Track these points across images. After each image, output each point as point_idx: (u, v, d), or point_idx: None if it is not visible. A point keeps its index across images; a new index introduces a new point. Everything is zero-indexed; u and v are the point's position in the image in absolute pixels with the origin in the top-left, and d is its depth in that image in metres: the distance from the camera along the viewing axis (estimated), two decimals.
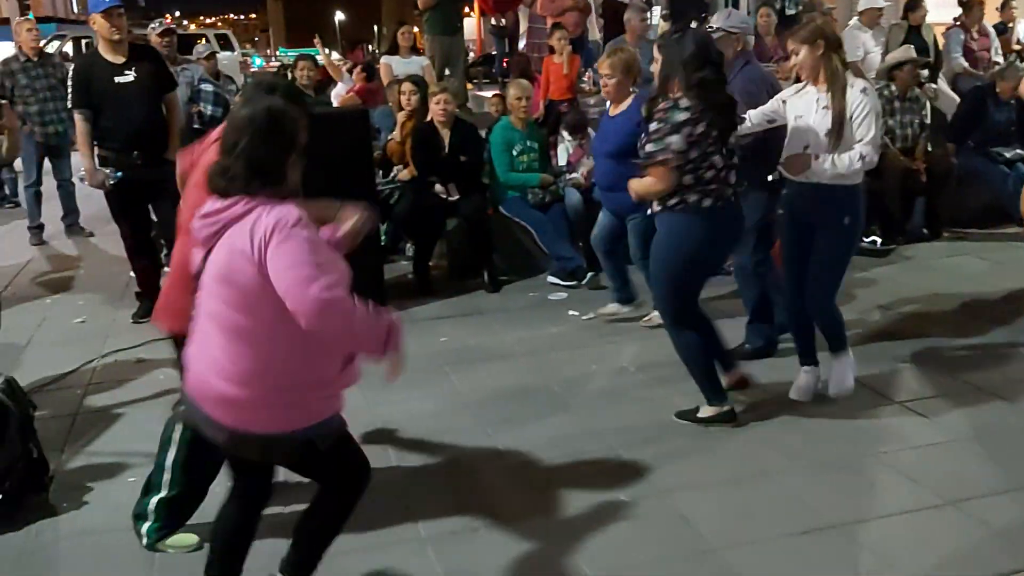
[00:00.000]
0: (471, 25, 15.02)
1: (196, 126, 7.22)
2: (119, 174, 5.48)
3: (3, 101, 7.02)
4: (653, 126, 3.80)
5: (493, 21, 10.19)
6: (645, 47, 6.80)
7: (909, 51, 7.23)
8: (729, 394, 4.16)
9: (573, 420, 4.27)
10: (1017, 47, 10.02)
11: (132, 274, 6.11)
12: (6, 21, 23.24)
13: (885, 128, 7.00)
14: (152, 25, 7.82)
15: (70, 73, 5.63)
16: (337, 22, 63.00)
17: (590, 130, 6.80)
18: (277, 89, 2.87)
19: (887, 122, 7.01)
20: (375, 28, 43.05)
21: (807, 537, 3.25)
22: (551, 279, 6.29)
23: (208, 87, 7.30)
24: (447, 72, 9.17)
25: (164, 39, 7.29)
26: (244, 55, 26.96)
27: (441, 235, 6.47)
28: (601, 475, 3.72)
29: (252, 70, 26.25)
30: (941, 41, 9.45)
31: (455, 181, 6.20)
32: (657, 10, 9.00)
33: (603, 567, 3.12)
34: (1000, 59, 9.18)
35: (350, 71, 8.91)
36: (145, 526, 3.30)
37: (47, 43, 16.49)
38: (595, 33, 9.61)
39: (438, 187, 6.13)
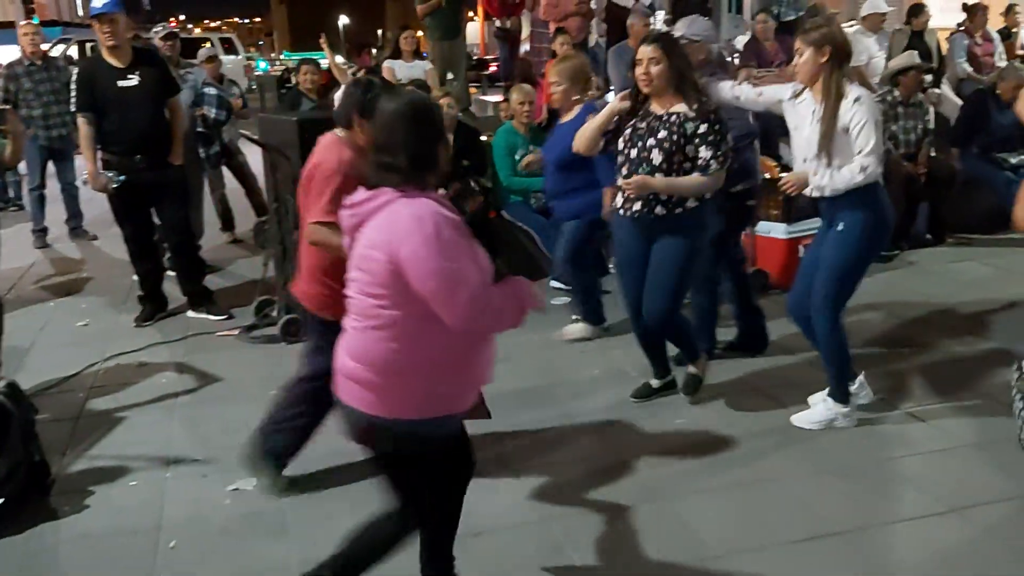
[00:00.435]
0: (475, 29, 15.02)
1: (200, 129, 7.24)
2: (122, 178, 5.49)
3: (7, 106, 7.04)
4: (705, 128, 3.91)
5: (498, 24, 10.18)
6: None
7: (913, 57, 7.22)
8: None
9: (574, 424, 4.26)
10: (1021, 52, 10.01)
11: (135, 278, 6.12)
12: (11, 24, 23.32)
13: (889, 133, 7.00)
14: (156, 29, 7.82)
15: (74, 76, 5.63)
16: (341, 26, 63.16)
17: None
18: (373, 85, 3.23)
19: (890, 127, 7.00)
20: (379, 32, 43.16)
21: (810, 544, 3.23)
22: (554, 284, 6.28)
23: (212, 91, 7.30)
24: (449, 76, 9.16)
25: (167, 43, 7.30)
26: (249, 59, 26.97)
27: None
28: (602, 480, 3.71)
29: (256, 74, 26.24)
30: (944, 46, 9.45)
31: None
32: (660, 15, 8.98)
33: (603, 572, 3.11)
34: (1004, 64, 9.16)
35: (355, 75, 8.90)
36: None
37: (52, 47, 16.55)
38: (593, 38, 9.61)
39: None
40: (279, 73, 26.48)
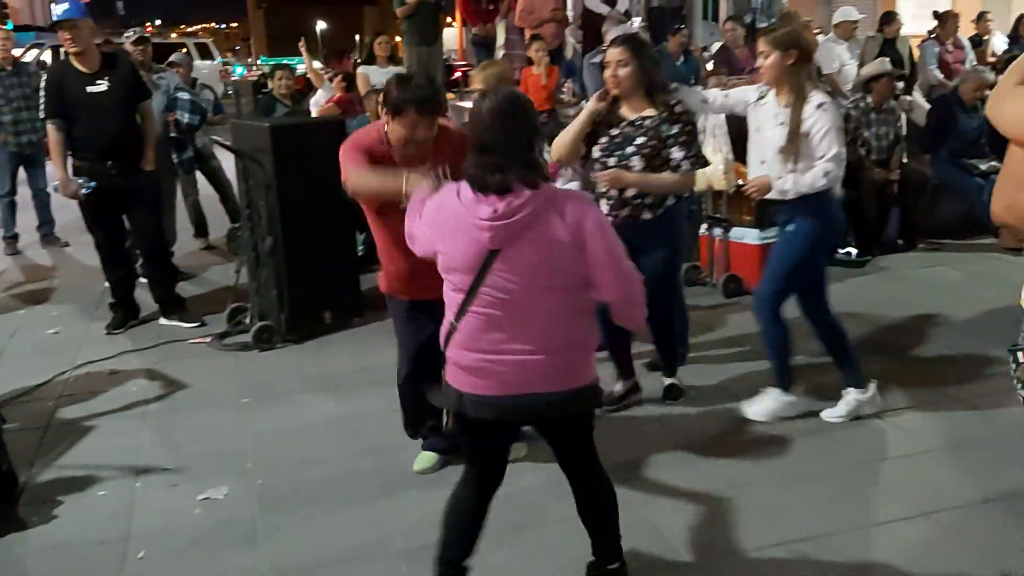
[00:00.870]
0: (452, 35, 15.03)
1: (172, 135, 7.20)
2: (93, 184, 5.44)
3: None
4: (677, 128, 3.94)
5: (475, 31, 10.19)
6: None
7: (884, 64, 7.29)
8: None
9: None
10: (992, 59, 10.11)
11: (106, 285, 6.06)
12: None
13: (861, 140, 7.06)
14: (127, 34, 7.76)
15: (42, 83, 5.58)
16: (319, 32, 62.98)
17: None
18: (412, 79, 3.34)
19: (863, 134, 7.07)
20: (356, 38, 43.09)
21: (780, 548, 3.24)
22: None
23: (185, 95, 7.26)
24: None
25: (138, 47, 7.24)
26: (225, 64, 26.82)
27: None
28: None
29: (233, 79, 26.10)
30: (916, 54, 9.54)
31: None
32: (636, 21, 9.03)
33: None
34: None
35: (332, 80, 8.87)
36: None
37: (25, 51, 16.39)
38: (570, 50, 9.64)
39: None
40: (255, 78, 26.36)
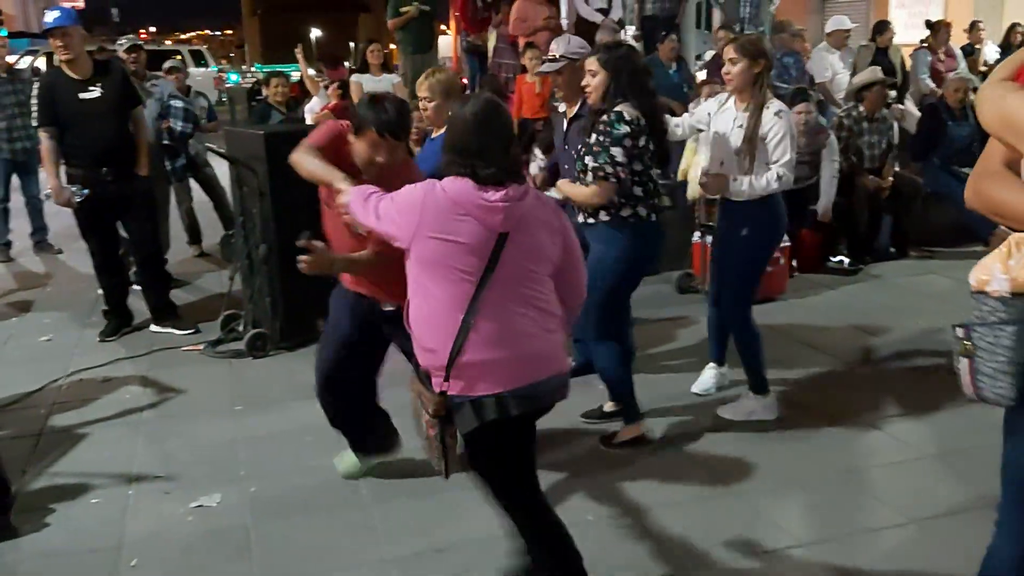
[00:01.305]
0: (447, 43, 15.05)
1: (165, 142, 7.20)
2: (86, 191, 5.43)
3: None
4: (594, 138, 3.87)
5: (471, 39, 10.20)
6: None
7: (876, 72, 7.33)
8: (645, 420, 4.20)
9: (541, 436, 4.25)
10: (984, 68, 10.16)
11: (100, 291, 6.06)
12: None
13: (854, 148, 7.09)
14: (120, 41, 7.76)
15: (35, 91, 5.58)
16: (314, 39, 63.02)
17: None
18: (383, 100, 3.23)
19: (855, 142, 7.10)
20: (351, 45, 43.12)
21: (772, 556, 3.25)
22: None
23: (178, 103, 7.27)
24: None
25: (131, 55, 7.25)
26: (220, 71, 26.82)
27: None
28: (568, 493, 3.72)
29: (227, 86, 26.10)
30: (908, 62, 9.60)
31: None
32: (630, 30, 9.06)
33: None
34: None
35: (327, 87, 8.89)
36: None
37: (19, 58, 16.38)
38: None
39: None
40: (250, 85, 26.35)
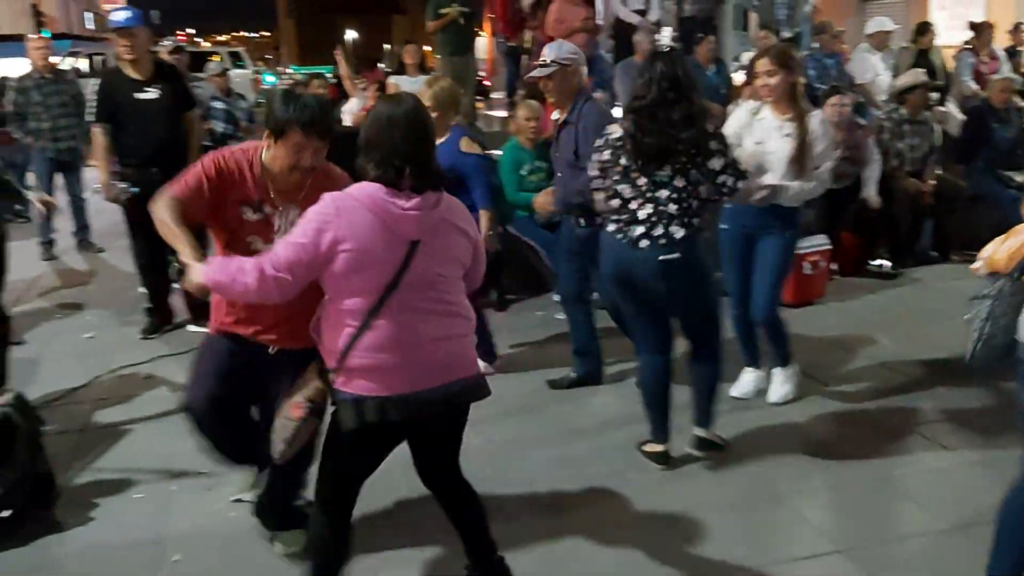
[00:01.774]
0: (482, 45, 15.08)
1: (206, 143, 7.27)
2: (135, 189, 5.52)
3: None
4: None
5: (510, 43, 10.19)
6: None
7: (919, 75, 7.24)
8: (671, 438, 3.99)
9: (579, 441, 4.26)
10: None
11: (141, 289, 6.14)
12: (21, 37, 23.31)
13: (895, 151, 7.01)
14: (163, 43, 7.88)
15: (94, 87, 5.67)
16: (349, 40, 63.38)
17: None
18: (299, 95, 2.99)
19: (897, 145, 7.02)
20: (385, 47, 43.32)
21: (812, 561, 3.23)
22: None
23: (219, 105, 7.36)
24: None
25: (174, 56, 7.35)
26: (257, 72, 27.08)
27: None
28: (607, 496, 3.72)
29: (264, 87, 26.35)
30: (951, 64, 9.47)
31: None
32: (666, 31, 9.01)
33: None
34: None
35: (365, 89, 8.95)
36: None
37: (61, 59, 16.62)
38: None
39: None
40: (287, 87, 26.57)
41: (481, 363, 4.96)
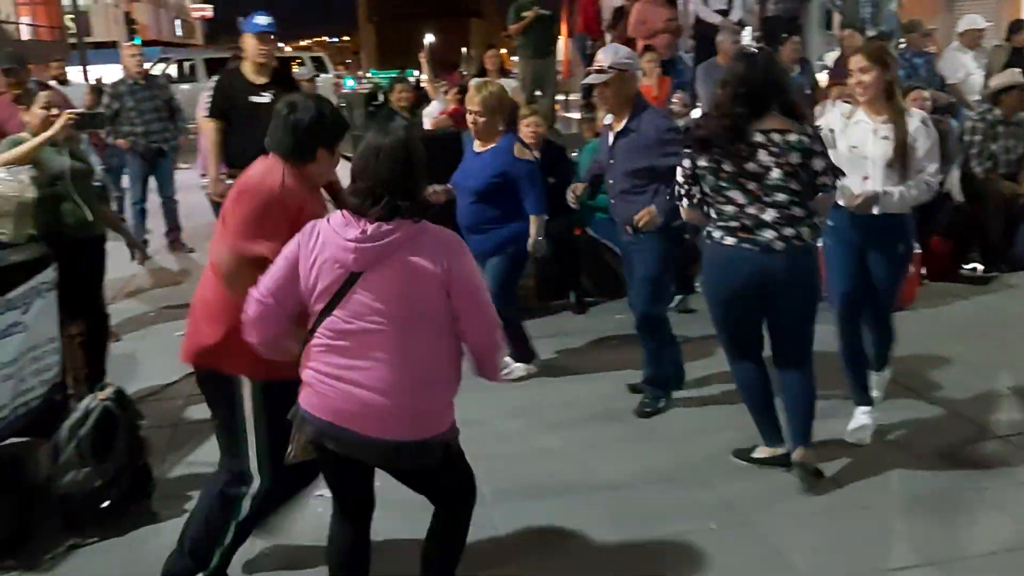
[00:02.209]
0: (559, 46, 15.12)
1: None
2: None
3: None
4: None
5: (595, 41, 10.18)
6: None
7: (1015, 75, 7.01)
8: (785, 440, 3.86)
9: (662, 446, 4.24)
10: None
11: None
12: (114, 44, 24.17)
13: (988, 153, 6.82)
14: None
15: (213, 84, 5.82)
16: (427, 45, 64.03)
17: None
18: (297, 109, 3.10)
19: (990, 147, 6.82)
20: (463, 51, 43.65)
21: (900, 573, 3.17)
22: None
23: None
24: (538, 94, 9.22)
25: None
26: (338, 77, 27.53)
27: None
28: (691, 503, 3.70)
29: (344, 91, 26.78)
30: None
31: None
32: (748, 31, 8.90)
33: None
34: None
35: (446, 92, 9.06)
36: None
37: (152, 65, 17.18)
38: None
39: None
40: (367, 91, 26.95)
41: (518, 364, 5.16)
